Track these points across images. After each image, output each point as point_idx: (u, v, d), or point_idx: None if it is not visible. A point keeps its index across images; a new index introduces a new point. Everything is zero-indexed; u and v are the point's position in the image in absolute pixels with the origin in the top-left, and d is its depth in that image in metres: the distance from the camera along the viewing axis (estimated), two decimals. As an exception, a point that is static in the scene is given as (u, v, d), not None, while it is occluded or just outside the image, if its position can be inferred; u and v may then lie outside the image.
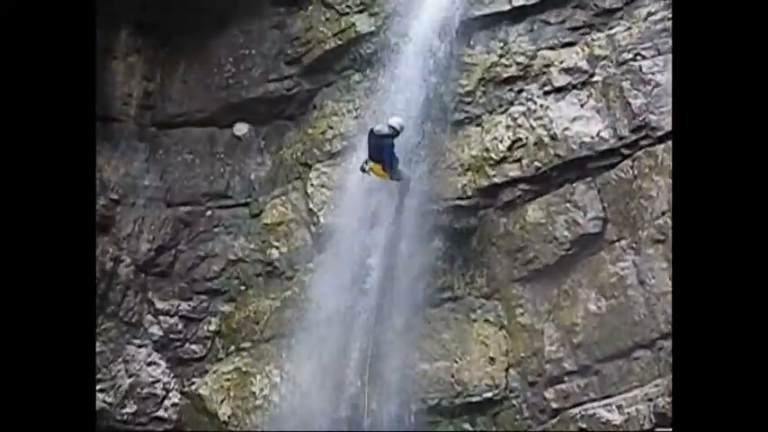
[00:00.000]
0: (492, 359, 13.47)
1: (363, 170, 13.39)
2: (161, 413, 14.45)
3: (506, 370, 13.42)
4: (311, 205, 14.72)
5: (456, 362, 13.62)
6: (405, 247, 13.92)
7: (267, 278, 14.91)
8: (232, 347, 14.86)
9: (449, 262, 13.96)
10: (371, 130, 13.21)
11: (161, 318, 14.77)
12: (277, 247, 14.87)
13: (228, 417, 14.37)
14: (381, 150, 13.15)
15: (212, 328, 14.99)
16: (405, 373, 13.72)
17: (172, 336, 14.78)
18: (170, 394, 14.53)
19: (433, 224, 13.91)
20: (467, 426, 13.49)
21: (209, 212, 15.26)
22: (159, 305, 14.82)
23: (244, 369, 14.56)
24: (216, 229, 15.19)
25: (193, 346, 14.93)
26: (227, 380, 14.57)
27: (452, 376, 13.58)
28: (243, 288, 15.09)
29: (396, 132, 13.21)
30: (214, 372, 14.73)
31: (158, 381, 14.51)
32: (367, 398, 13.43)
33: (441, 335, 13.80)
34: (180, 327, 14.85)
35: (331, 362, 13.83)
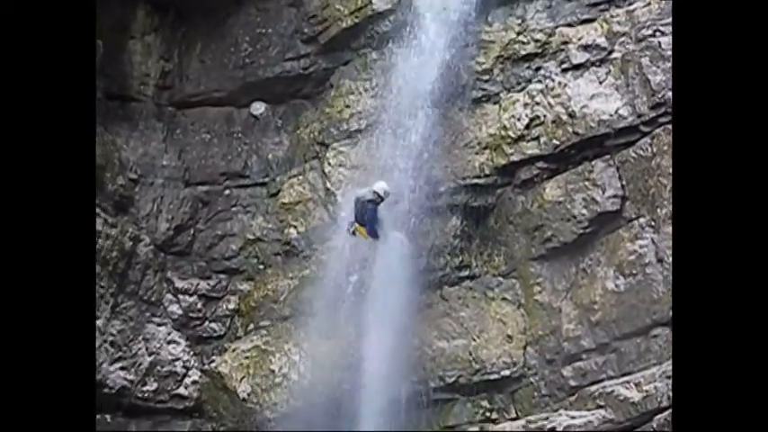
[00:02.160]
0: (510, 337, 13.58)
1: (350, 232, 13.62)
2: (181, 391, 14.51)
3: (524, 348, 13.53)
4: (329, 184, 14.77)
5: (474, 340, 13.77)
6: (422, 225, 13.99)
7: (285, 257, 14.98)
8: (251, 326, 14.94)
9: (466, 240, 14.06)
10: (356, 196, 13.47)
11: (180, 297, 14.84)
12: (295, 227, 14.94)
13: (248, 394, 14.43)
14: (364, 214, 13.38)
15: (231, 306, 15.07)
16: (423, 350, 13.83)
17: (191, 314, 14.87)
18: (190, 372, 14.59)
19: (451, 203, 13.99)
20: (485, 403, 13.60)
21: (226, 192, 15.30)
22: (179, 284, 14.91)
23: (263, 347, 14.66)
24: (234, 209, 15.25)
25: (213, 325, 15.02)
26: (247, 358, 14.64)
27: (470, 354, 13.73)
28: (261, 267, 15.16)
29: (379, 198, 13.39)
30: (233, 350, 14.80)
31: (178, 359, 14.59)
32: (384, 376, 13.47)
33: (458, 313, 13.91)
34: (199, 305, 14.94)
35: (348, 340, 13.92)
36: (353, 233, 13.57)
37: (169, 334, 14.60)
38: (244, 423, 14.37)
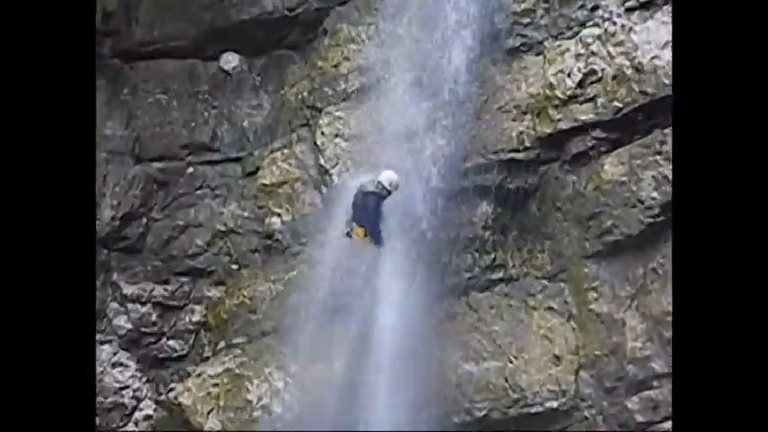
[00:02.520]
0: (557, 358, 13.48)
1: (346, 234, 13.58)
2: (130, 428, 14.44)
3: (576, 372, 13.41)
4: (322, 160, 14.57)
5: (510, 361, 13.49)
6: (444, 214, 13.76)
7: (266, 255, 14.88)
8: (221, 344, 14.92)
9: (500, 233, 13.90)
10: (357, 188, 13.52)
11: (129, 306, 14.77)
12: (279, 215, 14.77)
13: None
14: (365, 211, 13.28)
15: (196, 318, 14.99)
16: (444, 376, 13.61)
17: (144, 329, 14.71)
18: (142, 404, 14.56)
19: (481, 184, 13.78)
20: (525, 443, 14.23)
21: (190, 170, 15.16)
22: (127, 290, 14.84)
23: (237, 371, 14.52)
24: (199, 192, 15.13)
25: (172, 343, 14.94)
26: (216, 385, 14.51)
27: (506, 380, 13.43)
28: (235, 267, 15.09)
29: (385, 192, 13.25)
30: (198, 375, 14.71)
31: (127, 387, 14.47)
32: (394, 408, 13.24)
33: (490, 327, 13.68)
34: (154, 317, 14.80)
35: (347, 362, 13.79)
36: (350, 235, 13.50)
37: (115, 354, 14.54)
38: None
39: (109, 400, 14.19)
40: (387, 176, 13.20)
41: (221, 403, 14.30)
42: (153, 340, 14.79)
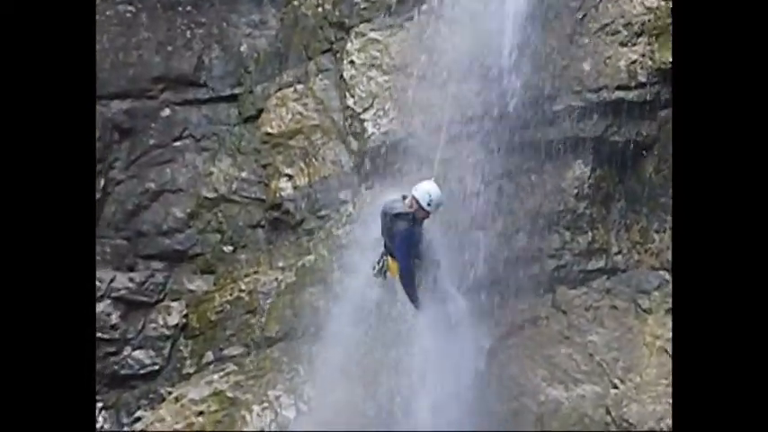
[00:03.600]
0: None
1: (376, 272, 13.02)
2: None
3: None
4: (350, 101, 14.37)
5: (615, 386, 13.02)
6: (521, 177, 13.64)
7: (272, 232, 14.75)
8: (209, 356, 14.63)
9: (601, 204, 13.63)
10: (384, 208, 12.81)
11: None
12: (289, 177, 14.65)
13: None
14: (392, 239, 12.59)
15: (173, 320, 14.76)
16: (519, 402, 13.28)
17: (100, 335, 14.37)
18: None
19: (574, 135, 13.50)
20: (634, 500, 13.83)
21: (165, 112, 15.07)
22: None
23: (230, 394, 14.13)
24: (178, 143, 15.01)
25: (139, 354, 14.72)
26: (200, 414, 14.11)
27: (608, 412, 12.95)
28: (228, 250, 14.94)
29: (421, 212, 12.38)
30: (176, 400, 14.31)
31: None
32: None
33: (586, 336, 13.32)
34: (114, 319, 14.63)
35: (382, 380, 13.58)
36: (382, 273, 12.92)
37: None
38: None
39: (57, 433, 14.36)
40: (424, 190, 12.38)
41: None
42: (112, 350, 14.56)
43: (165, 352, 14.63)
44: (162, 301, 14.78)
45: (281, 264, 14.47)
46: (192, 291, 14.77)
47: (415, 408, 13.28)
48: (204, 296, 14.73)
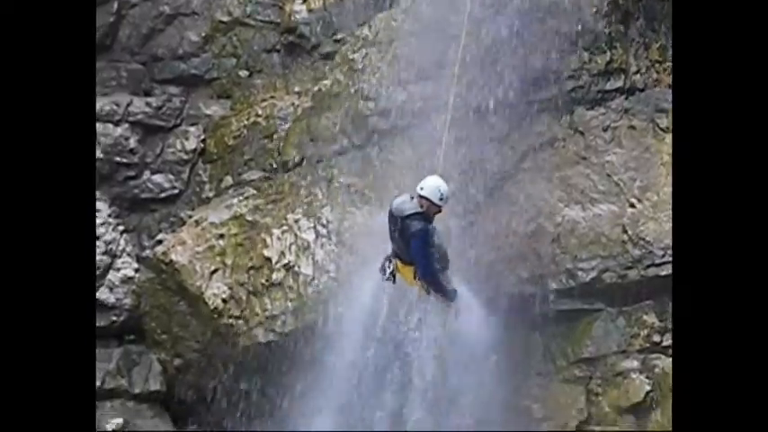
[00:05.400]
0: None
1: (383, 273, 12.59)
2: (102, 295, 14.16)
3: None
4: None
5: (632, 205, 12.93)
6: None
7: (288, 56, 14.66)
8: (227, 180, 14.72)
9: (620, 23, 13.41)
10: (390, 208, 12.38)
11: (98, 127, 14.45)
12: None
13: (223, 301, 13.92)
14: (406, 243, 12.10)
15: (190, 145, 14.81)
16: (537, 222, 13.19)
17: (119, 159, 14.55)
18: (118, 262, 14.41)
19: None
20: None
21: None
22: None
23: (249, 218, 14.26)
24: None
25: (158, 178, 14.80)
26: (220, 237, 14.26)
27: (624, 230, 12.93)
28: (245, 74, 14.89)
29: (434, 208, 12.05)
30: (196, 223, 14.46)
31: (97, 238, 14.21)
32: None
33: (603, 157, 13.17)
34: (132, 143, 14.62)
35: (396, 186, 13.21)
36: (392, 278, 12.49)
37: None
38: (215, 354, 14.19)
39: (72, 256, 14.35)
40: (433, 186, 12.04)
41: (228, 261, 14.08)
42: (132, 174, 14.61)
43: (184, 176, 14.74)
44: (179, 125, 14.78)
45: (297, 89, 14.46)
46: (208, 115, 14.81)
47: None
48: (221, 121, 14.80)
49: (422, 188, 11.89)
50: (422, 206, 11.94)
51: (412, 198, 12.01)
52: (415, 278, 12.25)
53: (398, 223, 12.11)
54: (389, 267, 12.45)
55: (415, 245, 11.99)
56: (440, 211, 12.09)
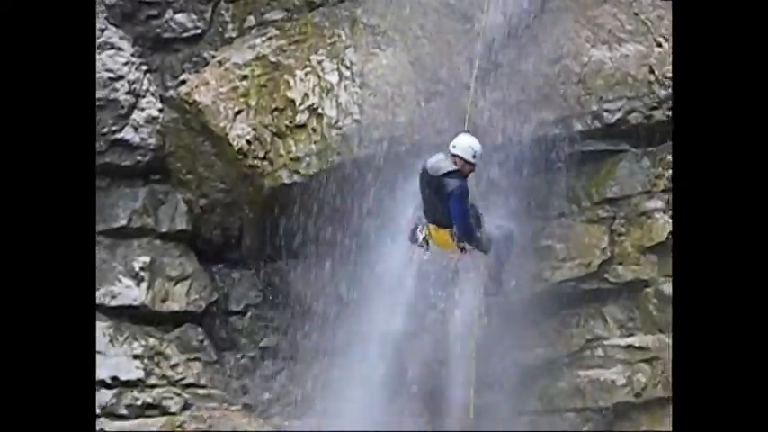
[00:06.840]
0: None
1: (415, 240, 12.62)
2: (128, 135, 14.18)
3: None
4: None
5: (660, 44, 13.08)
6: None
7: None
8: (251, 20, 14.64)
9: None
10: (423, 168, 12.31)
11: None
12: None
13: (247, 142, 13.85)
14: (443, 203, 12.13)
15: None
16: (562, 63, 13.28)
17: None
18: (142, 102, 14.32)
19: None
20: None
21: None
22: None
23: (273, 59, 14.17)
24: None
25: (180, 17, 14.70)
26: (244, 78, 14.19)
27: (652, 70, 13.11)
28: None
29: (467, 166, 12.05)
30: (219, 63, 14.41)
31: (120, 77, 14.21)
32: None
33: None
34: None
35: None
36: (425, 243, 12.53)
37: (102, 32, 14.23)
38: (240, 194, 14.28)
39: (97, 95, 13.84)
40: (466, 145, 12.04)
41: (252, 102, 14.02)
42: (154, 13, 14.52)
43: (207, 15, 14.65)
44: (202, -45, 15.13)
45: None
46: (231, -48, 15.10)
47: None
48: (243, -47, 15.17)
49: (454, 146, 11.97)
50: (456, 164, 12.04)
51: (446, 157, 12.12)
52: (451, 238, 12.27)
53: (434, 182, 12.19)
54: (422, 233, 12.49)
55: (454, 203, 12.06)
56: (473, 169, 12.12)
